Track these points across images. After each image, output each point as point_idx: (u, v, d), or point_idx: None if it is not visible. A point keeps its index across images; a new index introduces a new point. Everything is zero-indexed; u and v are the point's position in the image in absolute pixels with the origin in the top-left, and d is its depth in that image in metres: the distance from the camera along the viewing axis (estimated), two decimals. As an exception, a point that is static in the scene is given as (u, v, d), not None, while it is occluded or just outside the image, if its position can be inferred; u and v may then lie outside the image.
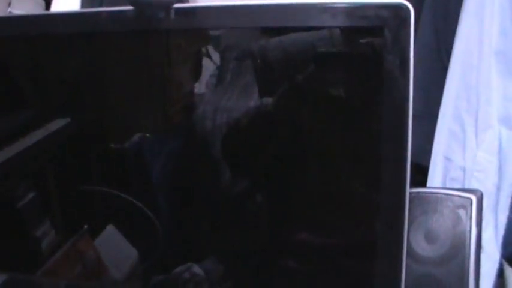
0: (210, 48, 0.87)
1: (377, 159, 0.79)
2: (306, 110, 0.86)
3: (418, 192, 0.93)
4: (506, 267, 1.16)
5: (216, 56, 0.87)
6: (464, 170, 1.12)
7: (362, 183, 0.84)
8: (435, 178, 1.14)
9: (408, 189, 0.79)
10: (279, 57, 0.85)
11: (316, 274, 0.88)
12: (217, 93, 0.88)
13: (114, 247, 0.96)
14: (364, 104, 0.83)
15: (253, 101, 0.87)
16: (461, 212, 0.92)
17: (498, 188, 1.14)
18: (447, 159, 1.14)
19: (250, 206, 0.91)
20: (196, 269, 0.92)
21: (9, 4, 1.42)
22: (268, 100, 0.86)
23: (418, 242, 0.92)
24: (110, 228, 0.96)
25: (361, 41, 0.81)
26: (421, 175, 1.15)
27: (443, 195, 0.94)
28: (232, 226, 0.92)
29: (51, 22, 0.92)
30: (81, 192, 0.97)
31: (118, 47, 0.93)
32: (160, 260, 0.95)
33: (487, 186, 1.13)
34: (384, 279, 0.81)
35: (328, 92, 0.85)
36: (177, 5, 0.84)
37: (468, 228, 0.91)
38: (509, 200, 1.14)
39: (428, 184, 1.12)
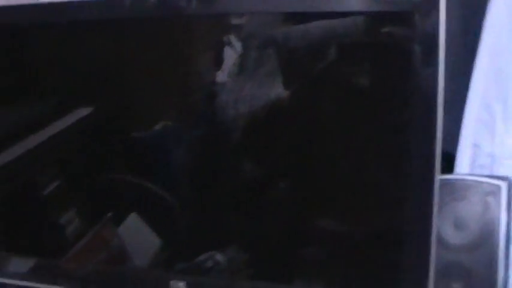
0: (232, 37, 0.87)
1: (406, 145, 0.79)
2: (332, 98, 0.85)
3: (447, 179, 0.92)
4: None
5: (238, 45, 0.87)
6: (492, 156, 1.10)
7: (391, 170, 0.83)
8: (463, 165, 1.12)
9: (438, 176, 0.78)
10: (302, 45, 0.84)
11: (343, 262, 0.87)
12: (239, 82, 0.88)
13: (137, 235, 0.96)
14: (393, 92, 0.81)
15: (276, 89, 0.86)
16: (490, 198, 0.91)
17: (527, 175, 1.12)
18: (475, 146, 1.12)
19: (273, 194, 0.90)
20: (219, 257, 0.91)
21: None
22: (292, 88, 0.86)
23: (447, 229, 0.91)
24: (133, 216, 0.96)
25: (388, 27, 0.80)
26: (447, 162, 1.13)
27: (472, 182, 0.93)
28: (255, 214, 0.92)
29: (75, 9, 0.92)
30: (105, 181, 0.98)
31: (140, 34, 0.93)
32: (183, 248, 0.95)
33: (516, 173, 1.11)
34: (413, 266, 0.81)
35: (355, 80, 0.84)
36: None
37: (497, 215, 0.90)
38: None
39: (456, 171, 1.10)
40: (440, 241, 0.87)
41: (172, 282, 0.92)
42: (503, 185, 0.91)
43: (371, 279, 0.85)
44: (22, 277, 1.01)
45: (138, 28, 0.92)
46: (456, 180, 0.94)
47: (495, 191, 0.91)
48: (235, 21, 0.86)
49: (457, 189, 0.92)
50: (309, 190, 0.89)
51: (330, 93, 0.85)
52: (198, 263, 0.92)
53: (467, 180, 0.93)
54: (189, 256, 0.93)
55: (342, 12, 0.81)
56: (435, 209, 0.78)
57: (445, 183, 0.89)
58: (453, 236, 0.91)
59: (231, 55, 0.87)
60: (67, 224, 0.99)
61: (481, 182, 0.92)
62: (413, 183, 0.79)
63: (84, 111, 0.96)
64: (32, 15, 0.95)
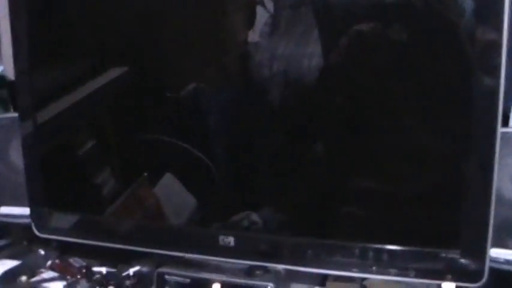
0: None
1: (468, 97, 0.77)
2: (378, 56, 0.83)
3: (505, 132, 0.85)
4: None
5: (270, 5, 0.85)
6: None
7: (453, 124, 0.81)
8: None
9: (500, 128, 0.77)
10: (341, 2, 0.83)
11: (401, 217, 0.86)
12: (272, 42, 0.86)
13: (173, 194, 0.98)
14: (451, 48, 0.79)
15: (311, 49, 0.84)
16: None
17: None
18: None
19: (311, 154, 0.90)
20: (255, 216, 0.92)
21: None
22: (331, 47, 0.84)
23: (504, 184, 0.87)
24: (169, 176, 0.97)
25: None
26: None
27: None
28: (291, 174, 0.91)
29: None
30: (139, 141, 0.98)
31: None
32: (218, 207, 0.96)
33: None
34: (472, 222, 0.80)
35: (406, 35, 0.81)
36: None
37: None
38: None
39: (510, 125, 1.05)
40: (497, 196, 0.81)
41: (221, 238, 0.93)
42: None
43: (429, 233, 0.84)
44: (65, 233, 1.05)
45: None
46: None
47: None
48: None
49: None
50: (349, 150, 0.88)
51: (375, 51, 0.83)
52: (234, 222, 0.93)
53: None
54: (224, 215, 0.94)
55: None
56: (496, 162, 0.77)
57: (503, 137, 0.80)
58: (510, 191, 0.88)
59: (262, 15, 0.86)
60: (103, 183, 1.01)
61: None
62: (475, 135, 0.78)
63: (118, 71, 0.96)
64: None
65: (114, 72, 0.97)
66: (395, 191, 0.85)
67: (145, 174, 0.99)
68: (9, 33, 1.02)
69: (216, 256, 0.95)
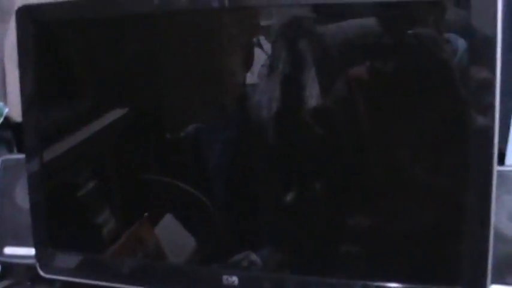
0: (262, 39, 0.86)
1: (464, 136, 0.78)
2: (376, 96, 0.84)
3: (501, 171, 0.87)
4: None
5: (267, 46, 0.86)
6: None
7: (449, 161, 0.81)
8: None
9: (496, 167, 0.77)
10: (338, 44, 0.83)
11: (400, 255, 0.86)
12: (270, 83, 0.87)
13: (173, 235, 0.98)
14: (446, 85, 0.80)
15: (309, 90, 0.85)
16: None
17: None
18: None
19: (309, 194, 0.90)
20: (254, 257, 0.92)
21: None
22: (328, 89, 0.85)
23: (501, 221, 0.89)
24: (169, 217, 0.97)
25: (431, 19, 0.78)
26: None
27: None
28: (290, 215, 0.91)
29: (106, 5, 0.94)
30: (140, 182, 0.99)
31: (172, 35, 0.93)
32: (218, 248, 0.96)
33: None
34: (472, 259, 0.80)
35: (401, 75, 0.82)
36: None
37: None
38: None
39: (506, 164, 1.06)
40: (495, 233, 0.82)
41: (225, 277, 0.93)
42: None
43: (429, 271, 0.84)
44: (68, 273, 1.04)
45: (169, 27, 0.93)
46: (509, 171, 0.91)
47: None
48: (265, 23, 0.86)
49: (510, 181, 0.89)
50: (345, 189, 0.88)
51: (372, 92, 0.84)
52: (233, 263, 0.92)
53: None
54: (224, 256, 0.94)
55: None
56: (493, 201, 0.78)
57: (499, 175, 0.82)
58: (508, 228, 0.89)
59: (259, 56, 0.87)
60: (103, 224, 1.02)
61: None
62: (472, 174, 0.78)
63: (119, 112, 0.97)
64: (63, 12, 0.97)
65: (115, 114, 0.98)
66: (395, 228, 0.86)
67: (146, 214, 0.99)
68: (14, 75, 1.03)
69: (221, 296, 0.94)
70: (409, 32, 0.80)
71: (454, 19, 0.78)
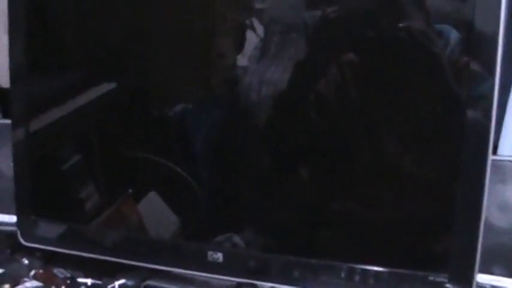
0: (255, 21, 0.85)
1: (458, 125, 0.78)
2: (366, 85, 0.84)
3: (494, 160, 0.85)
4: None
5: (260, 29, 0.85)
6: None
7: (443, 150, 0.81)
8: (505, 147, 1.08)
9: (490, 156, 0.77)
10: (330, 29, 0.83)
11: (389, 243, 0.86)
12: (261, 66, 0.86)
13: (157, 213, 0.98)
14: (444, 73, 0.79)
15: (300, 75, 0.85)
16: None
17: None
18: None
19: (295, 177, 0.90)
20: (237, 239, 0.92)
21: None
22: (319, 75, 0.84)
23: (492, 211, 0.89)
24: (153, 194, 0.97)
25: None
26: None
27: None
28: (276, 197, 0.91)
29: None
30: (125, 158, 0.99)
31: (163, 13, 0.92)
32: (201, 228, 0.96)
33: None
34: (461, 248, 0.81)
35: (398, 63, 0.82)
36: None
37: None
38: None
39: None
40: (485, 223, 0.82)
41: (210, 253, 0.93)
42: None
43: (417, 257, 0.85)
44: (50, 242, 1.05)
45: (161, 4, 0.92)
46: (503, 161, 0.91)
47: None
48: (258, 5, 0.85)
49: (504, 171, 0.90)
50: (330, 172, 0.88)
51: (364, 79, 0.83)
52: (216, 244, 0.93)
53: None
54: (206, 236, 0.94)
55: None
56: (486, 191, 0.78)
57: (492, 164, 0.82)
58: (498, 219, 0.90)
59: (252, 39, 0.86)
60: (86, 198, 1.01)
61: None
62: (466, 163, 0.78)
63: (107, 87, 0.97)
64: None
65: (103, 88, 0.97)
66: (385, 215, 0.86)
67: (130, 191, 0.99)
68: (2, 42, 1.02)
69: (204, 272, 0.94)
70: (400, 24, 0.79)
71: (451, 10, 0.77)
